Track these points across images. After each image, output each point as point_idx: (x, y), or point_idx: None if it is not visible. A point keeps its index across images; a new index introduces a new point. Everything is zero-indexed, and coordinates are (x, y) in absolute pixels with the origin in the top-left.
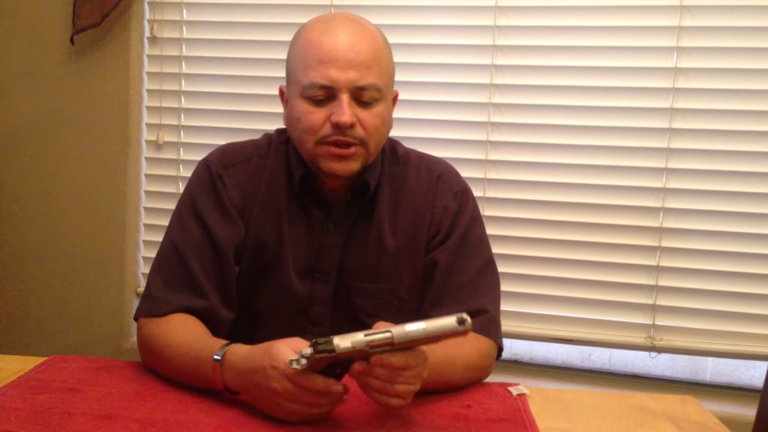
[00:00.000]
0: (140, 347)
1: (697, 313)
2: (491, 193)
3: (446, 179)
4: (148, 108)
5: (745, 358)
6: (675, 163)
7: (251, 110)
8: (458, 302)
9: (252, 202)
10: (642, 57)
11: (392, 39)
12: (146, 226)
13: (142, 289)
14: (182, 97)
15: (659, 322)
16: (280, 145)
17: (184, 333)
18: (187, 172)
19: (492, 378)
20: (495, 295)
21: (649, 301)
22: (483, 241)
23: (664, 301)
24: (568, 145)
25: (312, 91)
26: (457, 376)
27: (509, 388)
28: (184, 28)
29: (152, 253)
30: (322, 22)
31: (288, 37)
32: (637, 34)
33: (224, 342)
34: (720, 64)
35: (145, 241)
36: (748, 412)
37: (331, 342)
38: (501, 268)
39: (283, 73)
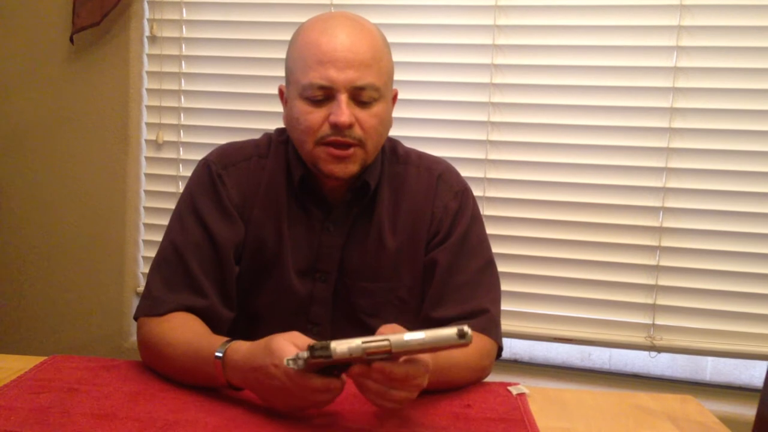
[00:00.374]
0: (140, 346)
1: (697, 313)
2: (491, 193)
3: (446, 179)
4: (148, 107)
5: (744, 357)
6: (675, 163)
7: (251, 109)
8: (458, 302)
9: (252, 201)
10: (642, 56)
11: (392, 38)
12: (146, 225)
13: (141, 289)
14: (182, 97)
15: (659, 321)
16: (280, 144)
17: (184, 332)
18: (187, 172)
19: (492, 377)
20: (495, 294)
21: (649, 301)
22: (483, 241)
23: (663, 300)
24: (568, 145)
25: (311, 92)
26: (457, 375)
27: (509, 388)
28: (183, 27)
29: (152, 253)
30: (320, 22)
31: (287, 36)
32: (637, 34)
33: (225, 339)
34: (720, 63)
35: (144, 241)
36: (748, 411)
37: (328, 347)
38: (501, 267)
39: (282, 73)
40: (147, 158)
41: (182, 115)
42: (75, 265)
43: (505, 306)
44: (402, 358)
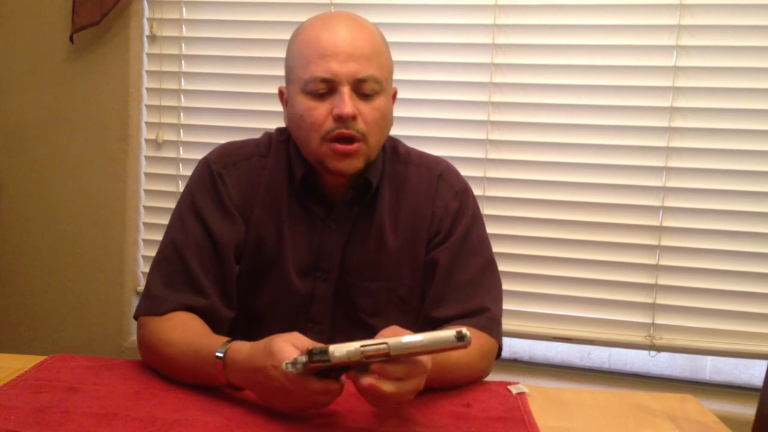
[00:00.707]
0: (140, 346)
1: (697, 312)
2: (491, 192)
3: (447, 178)
4: (148, 107)
5: (744, 356)
6: (674, 162)
7: (251, 109)
8: (459, 301)
9: (252, 201)
10: (642, 56)
11: (392, 38)
12: (146, 224)
13: (141, 288)
14: (182, 96)
15: (659, 320)
16: (281, 143)
17: (185, 331)
18: (187, 171)
19: (492, 377)
20: (496, 294)
21: (649, 300)
22: (484, 241)
23: (663, 299)
24: (568, 144)
25: (313, 85)
26: (457, 374)
27: (509, 387)
28: (183, 26)
29: (152, 252)
30: (320, 20)
31: (287, 35)
32: (637, 33)
33: (225, 339)
34: (720, 62)
35: (144, 240)
36: (748, 410)
37: (326, 352)
38: (500, 266)
39: (282, 72)
40: (147, 157)
41: (182, 114)
42: (75, 264)
43: (505, 305)
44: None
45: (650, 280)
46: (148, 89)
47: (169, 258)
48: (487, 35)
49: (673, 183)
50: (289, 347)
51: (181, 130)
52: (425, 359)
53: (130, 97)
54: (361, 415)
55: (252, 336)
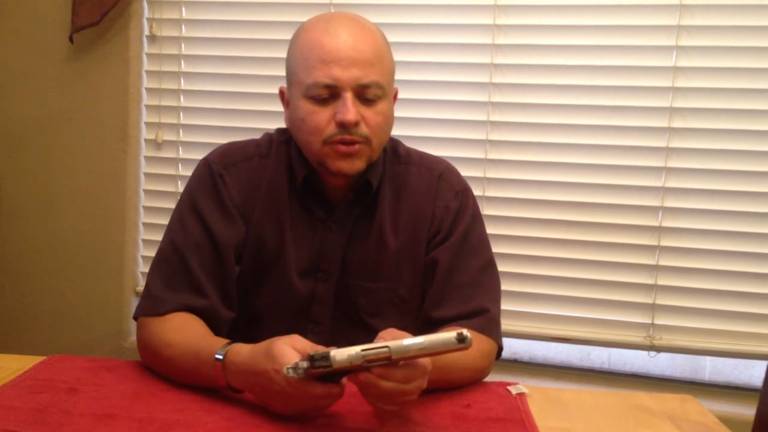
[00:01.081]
0: (140, 346)
1: (697, 313)
2: (490, 192)
3: (447, 179)
4: (147, 107)
5: (744, 357)
6: (674, 163)
7: (250, 109)
8: (459, 302)
9: (253, 201)
10: (641, 56)
11: (391, 38)
12: (145, 225)
13: (141, 288)
14: (181, 96)
15: (658, 321)
16: (281, 144)
17: (185, 332)
18: (186, 171)
19: (491, 377)
20: (495, 294)
21: (648, 301)
22: (483, 241)
23: (663, 300)
24: (568, 144)
25: (316, 91)
26: (457, 375)
27: (508, 388)
28: (183, 26)
29: (151, 252)
30: (322, 22)
31: (287, 35)
32: (637, 33)
33: (225, 341)
34: (719, 63)
35: (144, 240)
36: (747, 411)
37: (327, 357)
38: (500, 267)
39: (282, 72)
40: (146, 157)
41: (181, 114)
42: (74, 264)
43: (504, 305)
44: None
45: (650, 281)
46: (147, 89)
47: (169, 258)
48: (486, 35)
49: (672, 183)
50: (290, 350)
51: (181, 130)
52: (425, 361)
53: (129, 97)
54: (361, 415)
55: (252, 336)
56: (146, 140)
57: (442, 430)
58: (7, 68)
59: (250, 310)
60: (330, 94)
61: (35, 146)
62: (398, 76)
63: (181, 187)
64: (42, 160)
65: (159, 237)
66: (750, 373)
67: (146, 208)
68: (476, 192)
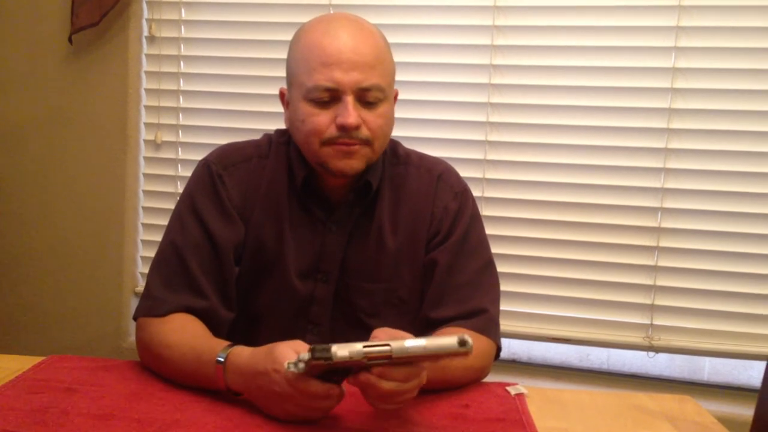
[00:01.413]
0: (139, 347)
1: (695, 313)
2: (490, 193)
3: (446, 179)
4: (147, 107)
5: (742, 357)
6: (673, 163)
7: (250, 110)
8: (457, 302)
9: (252, 202)
10: (640, 57)
11: (391, 38)
12: (144, 225)
13: (140, 289)
14: (180, 97)
15: (657, 321)
16: (281, 145)
17: (184, 334)
18: (186, 172)
19: (490, 378)
20: (494, 295)
21: (647, 301)
22: (483, 242)
23: (662, 300)
24: (567, 145)
25: (316, 94)
26: (456, 375)
27: (507, 388)
28: (182, 27)
29: (150, 253)
30: (322, 24)
31: (287, 36)
32: (636, 34)
33: (226, 343)
34: (718, 64)
35: (143, 241)
36: (746, 411)
37: (329, 350)
38: (499, 267)
39: (282, 73)
40: (145, 158)
41: (181, 115)
42: (73, 265)
43: (503, 306)
44: None
45: (649, 281)
46: (146, 90)
47: (169, 259)
48: (486, 36)
49: (671, 184)
50: (292, 353)
51: (180, 131)
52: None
53: (128, 98)
54: (360, 415)
55: (251, 337)
56: (145, 141)
57: (441, 431)
58: (6, 68)
59: (250, 310)
60: (331, 97)
61: (34, 147)
62: (398, 77)
63: (180, 188)
64: (41, 160)
65: (158, 237)
66: (748, 374)
67: (145, 209)
68: (475, 193)
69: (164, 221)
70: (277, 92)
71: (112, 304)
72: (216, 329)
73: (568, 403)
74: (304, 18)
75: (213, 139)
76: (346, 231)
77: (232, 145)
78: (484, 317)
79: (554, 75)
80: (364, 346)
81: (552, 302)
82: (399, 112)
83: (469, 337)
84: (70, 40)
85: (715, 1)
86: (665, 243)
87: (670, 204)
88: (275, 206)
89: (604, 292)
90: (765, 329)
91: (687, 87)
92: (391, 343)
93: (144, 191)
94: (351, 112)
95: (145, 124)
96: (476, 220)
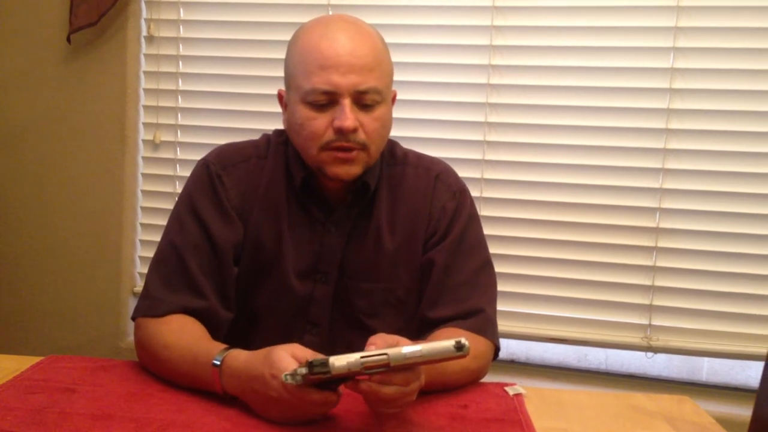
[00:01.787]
0: (138, 347)
1: (694, 314)
2: (488, 193)
3: (444, 179)
4: (145, 107)
5: (741, 358)
6: (672, 164)
7: (249, 110)
8: (455, 302)
9: (251, 202)
10: (639, 57)
11: (389, 39)
12: (143, 225)
13: (139, 289)
14: (179, 97)
15: (656, 322)
16: (279, 146)
17: (183, 335)
18: (184, 172)
19: (489, 378)
20: (492, 295)
21: (646, 302)
22: (480, 241)
23: (660, 301)
24: (565, 146)
25: (314, 97)
26: (454, 376)
27: (506, 388)
28: (181, 27)
29: (149, 253)
30: (320, 26)
31: (285, 36)
32: (634, 35)
33: (223, 347)
34: (717, 64)
35: (141, 241)
36: (744, 412)
37: (326, 363)
38: (498, 268)
39: (280, 73)
40: (144, 158)
41: (179, 115)
42: (72, 265)
43: (502, 306)
44: None
45: (647, 282)
46: (145, 90)
47: (168, 259)
48: (484, 37)
49: (670, 185)
50: (289, 358)
51: (179, 131)
52: None
53: (127, 98)
54: (359, 416)
55: (250, 337)
56: (144, 141)
57: (440, 431)
58: (4, 68)
59: (248, 310)
60: (328, 100)
61: (32, 146)
62: (396, 77)
63: (179, 188)
64: (39, 160)
65: (157, 237)
66: (746, 374)
67: (144, 209)
68: (473, 193)
69: (163, 221)
70: (275, 92)
71: (110, 304)
72: (215, 329)
73: (567, 404)
74: (303, 18)
75: (212, 139)
76: (345, 232)
77: (231, 146)
78: (481, 317)
79: (553, 75)
80: (362, 357)
81: (550, 302)
82: (397, 112)
83: (466, 340)
84: (68, 39)
85: (713, 1)
86: (663, 243)
87: (668, 204)
88: (274, 206)
89: (603, 293)
90: (763, 329)
91: (685, 87)
92: (388, 351)
93: (142, 191)
94: (348, 115)
95: (144, 124)
96: (474, 220)
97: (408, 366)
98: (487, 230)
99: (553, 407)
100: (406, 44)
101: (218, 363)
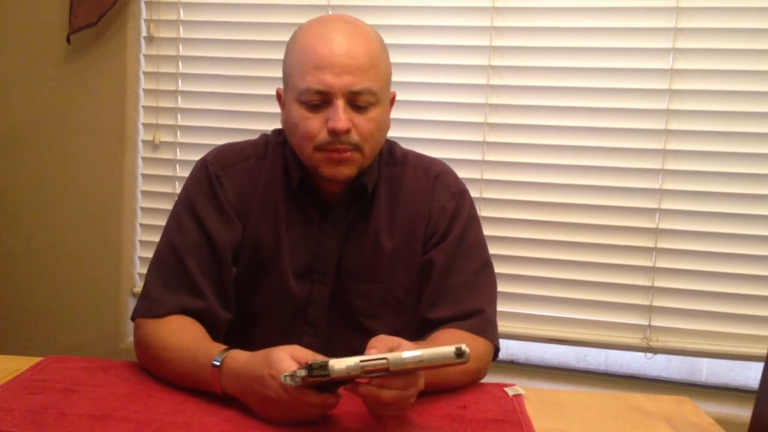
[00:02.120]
0: (137, 348)
1: (693, 314)
2: (488, 194)
3: (444, 180)
4: (145, 108)
5: (740, 359)
6: (671, 165)
7: (248, 110)
8: (454, 303)
9: (250, 202)
10: (638, 58)
11: (389, 40)
12: (143, 226)
13: (138, 289)
14: (179, 97)
15: (655, 323)
16: (278, 146)
17: (182, 335)
18: (184, 172)
19: (488, 378)
20: (492, 295)
21: (645, 302)
22: (480, 242)
23: (660, 302)
24: (565, 146)
25: (307, 96)
26: (453, 376)
27: (505, 389)
28: (180, 27)
29: (149, 253)
30: (318, 26)
31: (285, 37)
32: (634, 36)
33: (223, 347)
34: (716, 65)
35: (141, 241)
36: (743, 413)
37: (326, 366)
38: (497, 268)
39: (279, 73)
40: (144, 159)
41: (179, 115)
42: (71, 265)
43: (501, 307)
44: None
45: (647, 282)
46: (145, 90)
47: (167, 260)
48: (484, 37)
49: (669, 185)
50: (289, 359)
51: (178, 132)
52: None
53: (127, 99)
54: (358, 417)
55: (249, 337)
56: (143, 141)
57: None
58: (4, 68)
59: (247, 311)
60: (322, 101)
61: (32, 147)
62: (395, 77)
63: (178, 189)
64: (39, 160)
65: (156, 238)
66: (746, 375)
67: (143, 209)
68: (473, 193)
69: (162, 222)
70: (275, 93)
71: (109, 304)
72: (214, 329)
73: (566, 404)
74: (302, 19)
75: (211, 139)
76: (341, 232)
77: (230, 146)
78: (481, 318)
79: (552, 76)
80: (361, 361)
81: (550, 303)
82: (397, 113)
83: (467, 347)
84: (68, 40)
85: (712, 2)
86: (663, 244)
87: (668, 205)
88: (272, 206)
89: (602, 293)
90: (763, 330)
91: (685, 88)
92: (388, 356)
93: (142, 192)
94: (341, 116)
95: (144, 124)
96: (473, 220)
97: (408, 371)
98: (487, 231)
99: (553, 408)
100: (405, 45)
101: (218, 364)
